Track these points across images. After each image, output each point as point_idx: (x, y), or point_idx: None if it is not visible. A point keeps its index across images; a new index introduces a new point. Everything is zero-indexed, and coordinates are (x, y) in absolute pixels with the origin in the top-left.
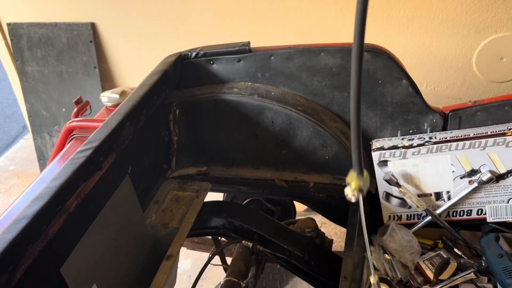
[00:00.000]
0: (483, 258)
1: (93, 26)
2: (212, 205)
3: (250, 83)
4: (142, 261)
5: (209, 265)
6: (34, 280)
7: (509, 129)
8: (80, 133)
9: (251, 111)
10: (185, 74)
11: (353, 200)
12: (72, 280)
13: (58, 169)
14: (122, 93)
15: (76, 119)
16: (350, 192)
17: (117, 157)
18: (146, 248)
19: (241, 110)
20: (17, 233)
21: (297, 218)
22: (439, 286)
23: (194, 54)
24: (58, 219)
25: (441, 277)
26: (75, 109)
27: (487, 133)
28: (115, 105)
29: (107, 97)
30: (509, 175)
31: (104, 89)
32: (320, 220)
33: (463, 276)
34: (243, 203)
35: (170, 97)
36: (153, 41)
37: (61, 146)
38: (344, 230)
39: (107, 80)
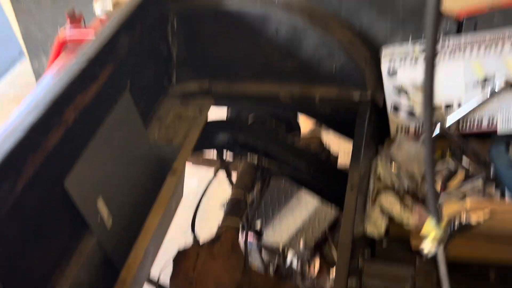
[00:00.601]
0: (492, 168)
1: None
2: (216, 122)
3: None
4: (147, 177)
5: (215, 183)
6: (37, 192)
7: None
8: (73, 45)
9: (253, 21)
10: None
11: (430, 255)
12: (76, 193)
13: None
14: (116, 4)
15: (68, 30)
16: (429, 245)
17: (114, 70)
18: (151, 164)
19: (243, 20)
20: (15, 141)
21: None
22: (446, 195)
23: None
24: (56, 130)
25: (448, 186)
26: (68, 21)
27: (504, 37)
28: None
29: (100, 7)
30: None
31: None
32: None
33: (471, 183)
34: (248, 119)
35: (167, 7)
36: None
37: (55, 59)
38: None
39: None
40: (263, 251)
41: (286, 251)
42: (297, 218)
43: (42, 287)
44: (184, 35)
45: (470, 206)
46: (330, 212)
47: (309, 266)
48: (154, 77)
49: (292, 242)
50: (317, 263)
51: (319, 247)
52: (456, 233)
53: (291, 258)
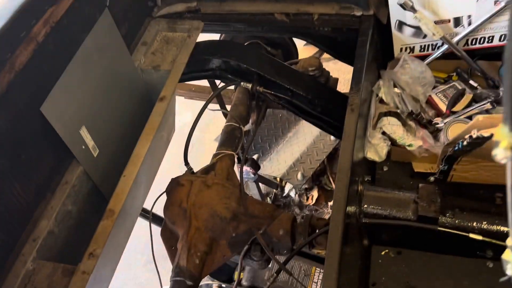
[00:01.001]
0: (501, 89)
1: None
2: (206, 45)
3: None
4: (135, 105)
5: (212, 118)
6: (10, 115)
7: None
8: None
9: None
10: None
11: (503, 162)
12: (56, 120)
13: None
14: None
15: None
16: (502, 152)
17: None
18: (138, 92)
19: None
20: None
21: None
22: (452, 117)
23: None
24: (24, 47)
25: (454, 109)
26: None
27: None
28: None
29: None
30: None
31: None
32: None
33: (478, 106)
34: None
35: None
36: None
37: None
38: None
39: None
40: (261, 183)
41: (284, 182)
42: (295, 149)
43: (26, 219)
44: None
45: (480, 124)
46: (329, 142)
47: (307, 197)
48: None
49: (289, 173)
50: (315, 193)
51: (317, 178)
52: (461, 156)
53: (289, 189)
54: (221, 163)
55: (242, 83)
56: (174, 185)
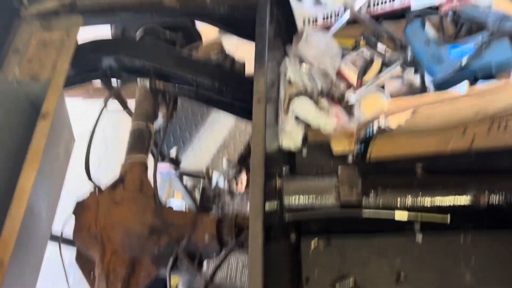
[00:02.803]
0: (409, 49)
1: None
2: (90, 44)
3: None
4: (19, 126)
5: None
6: None
7: None
8: None
9: None
10: None
11: None
12: None
13: None
14: None
15: None
16: None
17: None
18: (19, 109)
19: None
20: None
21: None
22: (364, 87)
23: None
24: None
25: (365, 78)
26: None
27: None
28: None
29: None
30: None
31: None
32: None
33: (389, 71)
34: (136, 36)
35: None
36: None
37: None
38: None
39: None
40: (185, 178)
41: (210, 172)
42: (216, 137)
43: None
44: None
45: (388, 109)
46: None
47: (236, 183)
48: None
49: (214, 162)
50: (244, 178)
51: (244, 161)
52: (375, 136)
53: (217, 178)
54: (131, 173)
55: (138, 80)
56: (79, 210)
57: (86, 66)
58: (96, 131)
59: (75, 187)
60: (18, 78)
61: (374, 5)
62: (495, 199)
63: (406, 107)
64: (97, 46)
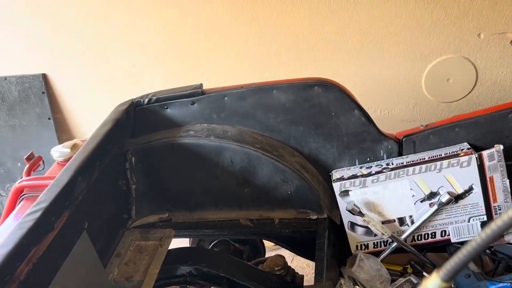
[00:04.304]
0: (453, 281)
1: (44, 77)
2: (177, 253)
3: (206, 125)
4: None
5: None
6: None
7: (462, 150)
8: (31, 192)
9: (209, 153)
10: (139, 120)
11: None
12: None
13: (6, 234)
14: (74, 146)
15: (25, 178)
16: None
17: (71, 214)
18: None
19: (199, 153)
20: None
21: (266, 255)
22: None
23: (146, 100)
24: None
25: None
26: (27, 166)
27: (441, 155)
28: (67, 160)
29: (58, 151)
30: (466, 195)
31: (60, 140)
32: (291, 254)
33: None
34: (210, 246)
35: (125, 145)
36: (108, 88)
37: (11, 208)
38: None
39: (63, 131)
40: None
41: None
42: None
43: None
44: (143, 170)
45: None
46: None
47: None
48: (113, 213)
49: None
50: None
51: None
52: None
53: None
54: None
55: None
56: None
57: (169, 272)
58: None
59: None
60: (115, 278)
61: (417, 237)
62: None
63: None
64: (181, 254)
